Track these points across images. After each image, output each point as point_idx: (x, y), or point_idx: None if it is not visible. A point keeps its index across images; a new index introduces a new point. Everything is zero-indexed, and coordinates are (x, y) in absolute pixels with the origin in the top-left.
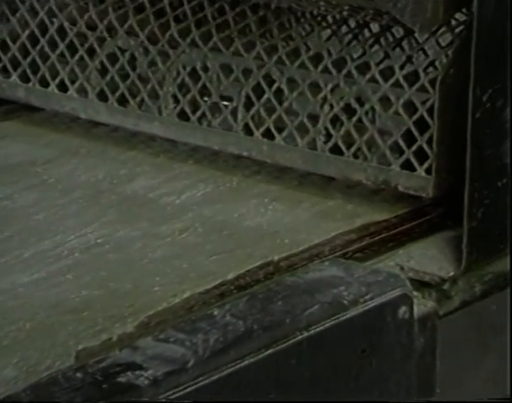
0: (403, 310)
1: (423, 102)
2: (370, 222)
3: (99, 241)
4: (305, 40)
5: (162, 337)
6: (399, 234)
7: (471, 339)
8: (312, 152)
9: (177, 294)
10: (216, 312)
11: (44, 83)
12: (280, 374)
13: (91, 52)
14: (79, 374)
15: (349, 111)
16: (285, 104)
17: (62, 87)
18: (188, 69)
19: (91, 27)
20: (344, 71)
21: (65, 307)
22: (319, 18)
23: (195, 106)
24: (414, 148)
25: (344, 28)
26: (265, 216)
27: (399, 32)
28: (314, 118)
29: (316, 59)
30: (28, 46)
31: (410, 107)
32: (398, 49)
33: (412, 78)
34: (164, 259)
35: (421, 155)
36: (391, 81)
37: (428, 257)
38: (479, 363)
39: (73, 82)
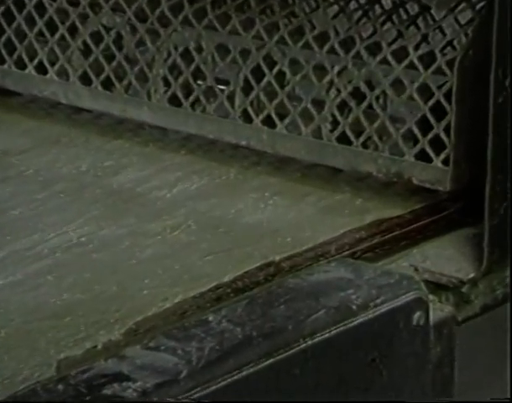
0: (417, 315)
1: (440, 86)
2: (381, 219)
3: (82, 239)
4: (310, 18)
5: (152, 346)
6: (413, 232)
7: (492, 347)
8: (317, 141)
9: (168, 298)
10: (211, 318)
11: (20, 65)
12: (282, 385)
13: (73, 30)
14: (60, 386)
15: (358, 96)
16: (288, 88)
17: (41, 69)
18: (180, 49)
19: (73, 2)
20: (353, 52)
21: (45, 312)
22: None
23: (187, 90)
24: (430, 136)
25: (353, 5)
26: (265, 212)
27: (413, 8)
28: (319, 104)
29: (322, 38)
30: (4, 24)
31: (426, 92)
32: (412, 28)
33: (428, 59)
34: (154, 260)
35: (438, 145)
36: (405, 62)
37: (445, 257)
38: (501, 374)
39: (53, 64)
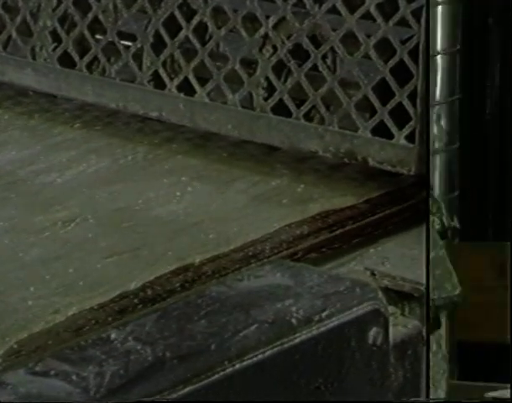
0: (374, 332)
1: (404, 42)
2: (329, 210)
3: None
4: None
5: (39, 370)
6: (369, 226)
7: None
8: (247, 112)
9: (60, 310)
10: (114, 335)
11: None
12: None
13: None
14: None
15: (300, 54)
16: (210, 45)
17: None
18: None
19: None
20: None
21: None
22: None
23: (83, 47)
24: (390, 105)
25: None
26: (182, 201)
27: None
28: (250, 65)
29: None
30: None
31: (386, 49)
32: None
33: (389, 7)
34: (41, 262)
35: (401, 116)
36: (359, 11)
37: (410, 258)
38: None
39: None
